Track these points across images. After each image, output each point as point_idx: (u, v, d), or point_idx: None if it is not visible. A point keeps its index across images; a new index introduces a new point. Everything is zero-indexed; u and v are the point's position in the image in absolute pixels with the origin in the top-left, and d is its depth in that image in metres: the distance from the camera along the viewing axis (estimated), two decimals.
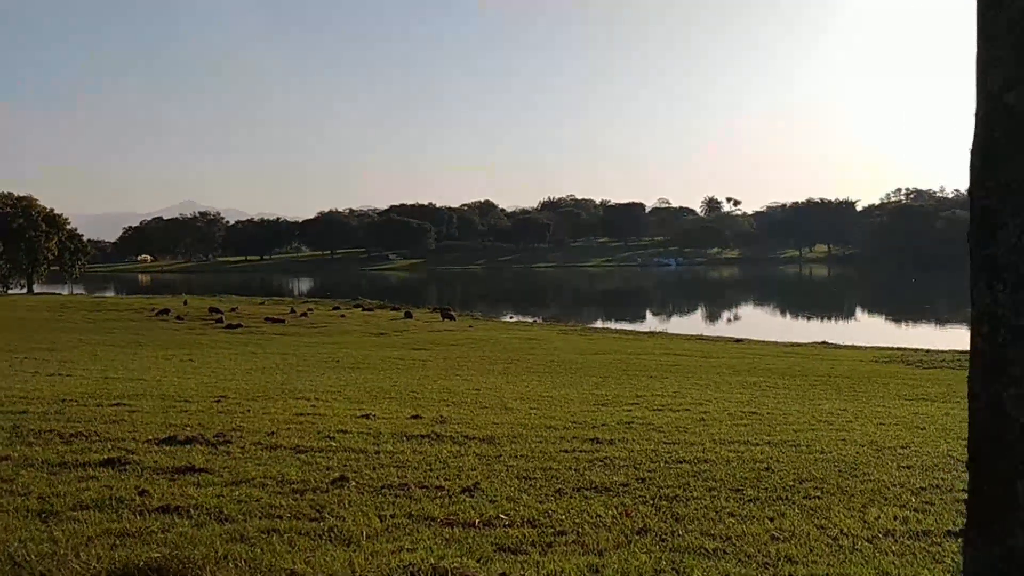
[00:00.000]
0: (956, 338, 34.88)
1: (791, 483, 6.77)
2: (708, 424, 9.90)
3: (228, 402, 11.50)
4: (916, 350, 25.73)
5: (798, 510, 5.96)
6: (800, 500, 6.24)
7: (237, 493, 6.33)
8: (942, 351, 25.15)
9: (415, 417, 10.07)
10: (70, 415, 10.04)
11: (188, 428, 9.19)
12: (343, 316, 40.53)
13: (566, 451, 8.06)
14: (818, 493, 6.45)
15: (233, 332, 31.62)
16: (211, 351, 23.24)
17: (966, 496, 5.62)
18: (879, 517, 5.73)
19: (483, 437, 8.77)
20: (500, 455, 7.83)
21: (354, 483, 6.63)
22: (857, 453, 8.08)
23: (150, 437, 8.56)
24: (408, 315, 40.83)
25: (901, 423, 10.20)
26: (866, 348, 27.20)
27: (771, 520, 5.69)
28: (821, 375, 17.17)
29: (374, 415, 10.18)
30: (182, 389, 13.18)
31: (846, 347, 27.89)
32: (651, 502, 6.15)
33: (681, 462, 7.57)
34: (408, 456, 7.76)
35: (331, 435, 8.77)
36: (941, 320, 48.51)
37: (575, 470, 7.19)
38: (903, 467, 7.40)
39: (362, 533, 5.33)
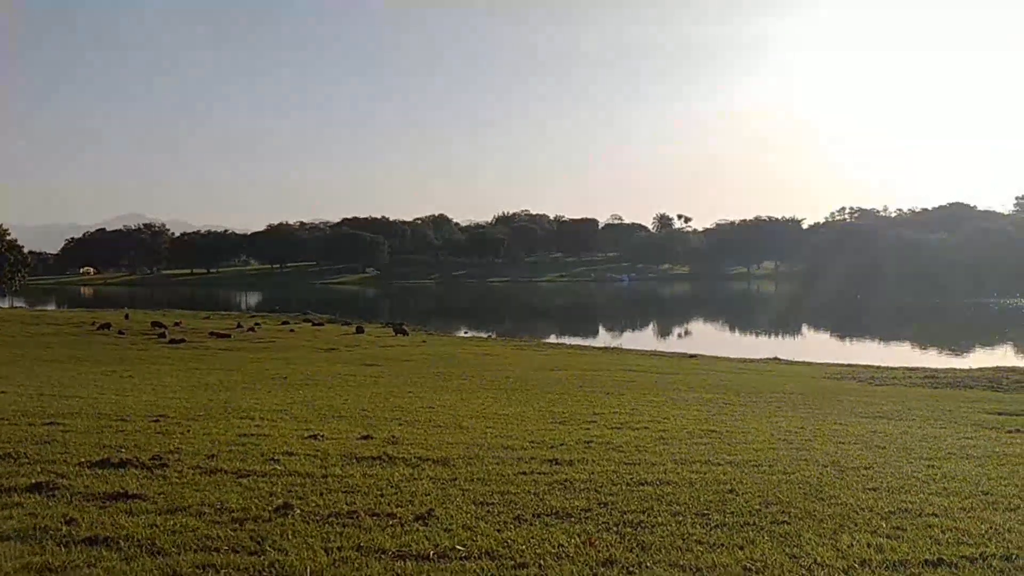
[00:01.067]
0: (903, 355, 35.49)
1: (757, 507, 6.53)
2: (668, 443, 9.66)
3: (167, 422, 10.94)
4: (867, 367, 25.99)
5: (767, 536, 5.71)
6: (768, 525, 6.00)
7: (172, 522, 5.87)
8: (892, 368, 25.47)
9: (365, 437, 9.65)
10: None
11: (123, 450, 8.66)
12: (292, 331, 39.64)
13: (524, 473, 7.74)
14: (785, 518, 6.22)
15: (176, 347, 30.62)
16: (152, 367, 22.38)
17: (937, 520, 5.33)
18: (852, 545, 5.51)
19: (437, 459, 8.39)
20: (455, 478, 7.47)
21: (299, 511, 6.20)
22: (821, 474, 7.90)
23: (82, 459, 8.03)
24: (359, 330, 40.12)
25: (860, 442, 10.08)
26: (817, 364, 27.41)
27: (741, 548, 5.43)
28: (776, 391, 17.11)
29: (322, 435, 9.73)
30: (120, 407, 12.54)
31: (798, 363, 28.06)
32: (615, 529, 5.85)
33: (643, 484, 7.30)
34: (358, 480, 7.35)
35: (276, 458, 8.33)
36: (887, 337, 49.34)
37: (534, 494, 6.86)
38: (869, 489, 7.22)
39: (306, 568, 4.93)
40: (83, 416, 11.34)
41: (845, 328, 56.44)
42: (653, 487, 7.16)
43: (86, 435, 9.59)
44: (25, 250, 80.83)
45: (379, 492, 6.88)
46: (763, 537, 5.69)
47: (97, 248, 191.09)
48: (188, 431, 10.09)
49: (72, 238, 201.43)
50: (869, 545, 5.50)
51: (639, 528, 5.88)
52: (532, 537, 5.62)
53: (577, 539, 5.57)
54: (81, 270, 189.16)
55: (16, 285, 76.29)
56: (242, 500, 6.53)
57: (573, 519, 6.11)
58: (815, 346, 40.55)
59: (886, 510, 6.46)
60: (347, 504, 6.44)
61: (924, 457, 8.91)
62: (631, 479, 7.48)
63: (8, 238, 73.73)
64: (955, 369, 25.07)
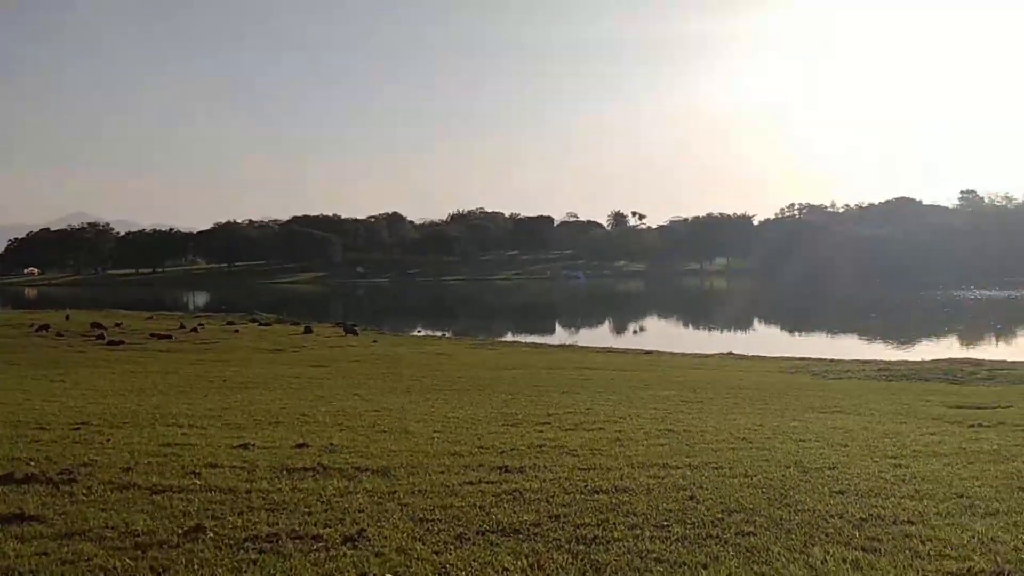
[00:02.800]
0: (855, 348, 35.69)
1: (720, 515, 6.02)
2: (624, 444, 9.15)
3: (88, 430, 10.14)
4: (820, 360, 25.90)
5: (733, 551, 5.19)
6: (733, 538, 5.48)
7: (65, 550, 5.15)
8: (844, 360, 25.42)
9: (301, 446, 8.96)
10: None
11: (32, 463, 7.87)
12: (237, 331, 38.43)
13: (471, 483, 7.14)
14: (751, 528, 5.71)
15: (114, 349, 29.36)
16: (86, 370, 21.28)
17: (913, 528, 4.74)
18: (826, 560, 5.01)
19: (377, 468, 7.75)
20: (395, 491, 6.84)
21: (212, 534, 5.52)
22: (784, 476, 7.44)
23: None
24: (308, 330, 39.04)
25: (821, 439, 9.68)
26: (771, 358, 27.27)
27: (705, 567, 4.90)
28: (732, 387, 16.77)
29: (253, 444, 9.02)
30: (41, 415, 11.66)
31: (752, 357, 27.90)
32: (567, 547, 5.28)
33: (598, 492, 6.75)
34: (285, 496, 6.68)
35: (197, 471, 7.61)
36: (838, 330, 49.81)
37: (480, 507, 6.26)
38: (835, 492, 6.77)
39: None
40: None
41: (797, 322, 56.93)
42: (609, 495, 6.62)
43: None
44: None
45: (307, 509, 6.21)
46: (728, 552, 5.17)
47: (41, 248, 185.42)
48: (108, 440, 9.31)
49: (15, 238, 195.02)
50: (844, 560, 5.00)
51: (593, 545, 5.31)
52: (474, 559, 5.02)
53: (524, 560, 4.99)
54: (25, 271, 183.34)
55: None
56: (151, 521, 5.83)
57: (521, 536, 5.52)
58: (768, 341, 40.64)
59: (857, 516, 5.99)
60: (268, 525, 5.77)
61: (890, 455, 8.52)
62: (585, 487, 6.92)
63: None
64: (908, 361, 25.06)
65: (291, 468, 7.76)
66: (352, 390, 16.13)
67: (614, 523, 5.78)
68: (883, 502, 6.41)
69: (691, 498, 6.53)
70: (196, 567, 4.85)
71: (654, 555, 5.10)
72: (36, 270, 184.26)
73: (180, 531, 5.58)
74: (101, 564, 4.87)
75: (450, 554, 5.11)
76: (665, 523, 5.80)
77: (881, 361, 25.16)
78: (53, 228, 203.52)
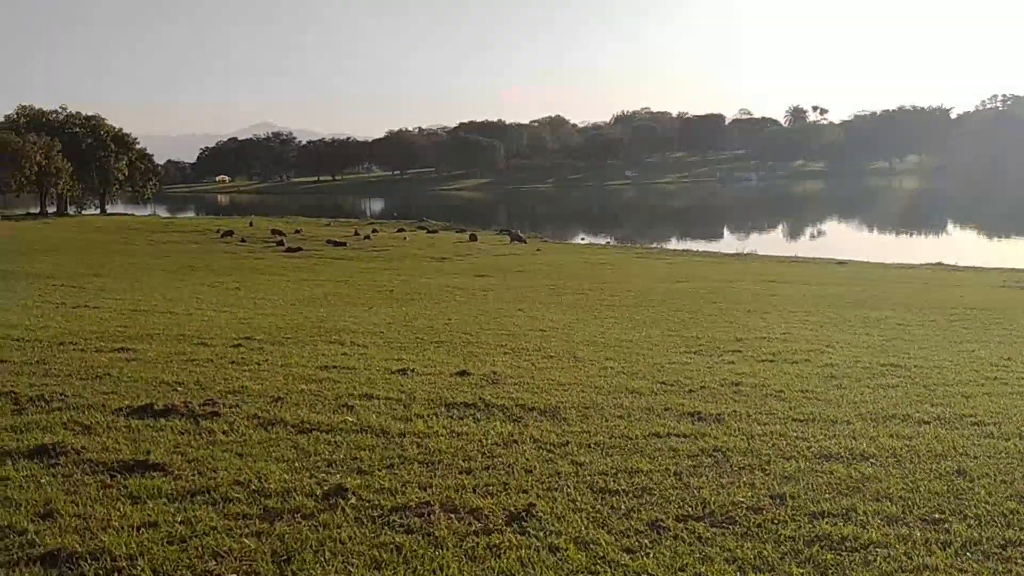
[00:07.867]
0: None
1: (1011, 504, 4.43)
2: (842, 385, 7.52)
3: (249, 347, 9.69)
4: None
5: None
6: None
7: (180, 518, 4.31)
8: None
9: (462, 373, 7.99)
10: (51, 366, 8.34)
11: (179, 389, 7.36)
12: (406, 239, 38.70)
13: (657, 435, 5.85)
14: None
15: (292, 256, 30.16)
16: (262, 278, 21.67)
17: None
18: None
19: (544, 408, 6.62)
20: (566, 442, 5.67)
21: (354, 499, 4.55)
22: None
23: (124, 404, 6.73)
24: (473, 238, 38.68)
25: None
26: (989, 270, 23.89)
27: None
28: (953, 306, 14.37)
29: (412, 370, 8.14)
30: (206, 328, 11.45)
31: (966, 268, 24.60)
32: (806, 552, 3.87)
33: (828, 458, 5.27)
34: (442, 442, 5.66)
35: (350, 403, 6.78)
36: None
37: (675, 475, 4.96)
38: None
39: None
40: (161, 339, 10.23)
41: (1006, 227, 50.64)
42: (844, 465, 5.12)
43: (150, 366, 8.39)
44: (165, 159, 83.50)
45: (465, 466, 5.15)
46: None
47: (229, 157, 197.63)
48: (265, 361, 8.76)
49: (206, 147, 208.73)
50: None
51: (843, 550, 3.89)
52: (681, 568, 3.73)
53: None
54: (216, 178, 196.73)
55: (148, 193, 78.92)
56: (288, 476, 4.96)
57: (738, 528, 4.17)
58: (978, 249, 36.19)
59: None
60: (420, 488, 4.74)
61: None
62: (808, 449, 5.45)
63: (137, 147, 75.72)
64: None
65: (450, 403, 6.78)
66: (516, 304, 15.17)
67: (864, 513, 4.31)
68: None
69: (959, 472, 4.94)
70: (327, 555, 3.85)
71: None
72: (226, 177, 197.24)
73: (319, 492, 4.66)
74: (214, 545, 3.97)
75: (647, 555, 3.84)
76: (937, 516, 4.28)
77: None
78: (240, 138, 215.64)
